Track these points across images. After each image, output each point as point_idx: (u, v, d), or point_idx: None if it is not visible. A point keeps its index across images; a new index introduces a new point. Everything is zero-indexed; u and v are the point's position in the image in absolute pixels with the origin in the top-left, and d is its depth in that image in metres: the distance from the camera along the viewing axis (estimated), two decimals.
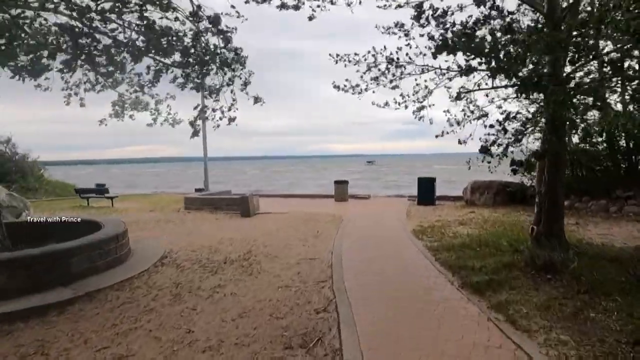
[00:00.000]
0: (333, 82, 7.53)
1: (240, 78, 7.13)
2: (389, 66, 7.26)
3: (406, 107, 7.36)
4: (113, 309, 5.25)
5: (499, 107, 7.00)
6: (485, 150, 6.17)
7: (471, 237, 8.51)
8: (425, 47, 6.80)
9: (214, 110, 6.94)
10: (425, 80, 7.52)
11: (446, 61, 6.89)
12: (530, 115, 6.52)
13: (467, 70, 5.88)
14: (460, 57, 6.15)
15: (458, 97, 6.63)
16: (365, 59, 7.24)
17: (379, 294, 5.41)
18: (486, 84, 6.96)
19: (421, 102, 7.63)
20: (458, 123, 7.04)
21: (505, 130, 6.08)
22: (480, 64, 5.58)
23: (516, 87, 5.53)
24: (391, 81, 7.14)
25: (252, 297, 5.55)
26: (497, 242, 7.66)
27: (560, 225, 6.63)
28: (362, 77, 7.28)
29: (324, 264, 7.06)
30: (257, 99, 6.97)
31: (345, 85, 7.48)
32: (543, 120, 6.69)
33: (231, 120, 6.91)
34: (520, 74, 5.37)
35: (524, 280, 5.38)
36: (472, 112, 6.78)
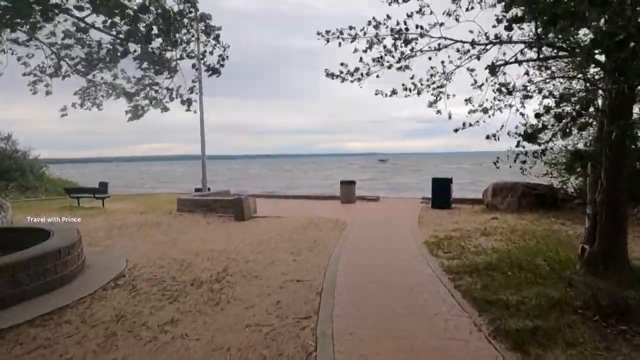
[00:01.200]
0: (326, 70, 6.03)
1: (212, 53, 5.73)
2: (396, 42, 5.74)
3: (419, 93, 5.83)
4: (19, 357, 3.89)
5: (539, 90, 5.43)
6: (529, 137, 4.61)
7: (498, 253, 6.95)
8: (445, 13, 5.27)
9: (168, 89, 5.55)
10: (443, 62, 5.98)
11: (471, 31, 5.36)
12: (585, 98, 4.90)
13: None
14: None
15: (492, 71, 5.05)
16: (364, 33, 5.72)
17: (377, 344, 3.92)
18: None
19: (438, 87, 6.10)
20: (485, 111, 5.50)
21: (561, 116, 4.51)
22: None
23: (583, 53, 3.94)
24: (399, 60, 5.61)
25: (207, 342, 4.12)
26: (533, 262, 6.10)
27: (622, 246, 5.04)
28: (361, 58, 5.77)
29: (312, 290, 5.59)
30: (214, 70, 5.56)
31: (341, 72, 5.96)
32: (597, 106, 5.09)
33: (187, 102, 5.51)
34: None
35: (585, 330, 3.80)
36: (508, 92, 5.16)
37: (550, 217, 10.89)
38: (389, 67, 5.65)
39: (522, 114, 5.20)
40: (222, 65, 6.37)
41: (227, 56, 6.07)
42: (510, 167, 5.53)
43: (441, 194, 14.46)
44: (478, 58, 5.77)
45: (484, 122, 5.79)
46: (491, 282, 5.26)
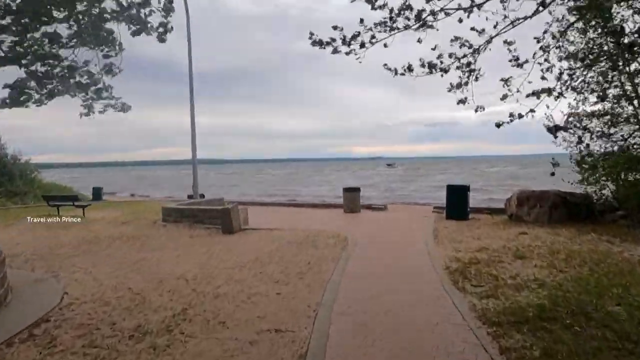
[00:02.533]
0: (311, 36, 4.40)
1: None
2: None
3: (445, 71, 4.23)
4: None
5: None
6: None
7: (547, 288, 5.26)
8: None
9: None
10: (475, 29, 4.37)
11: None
12: None
13: None
14: None
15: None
16: None
17: None
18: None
19: (466, 65, 4.49)
20: (550, 92, 3.91)
21: None
22: None
23: None
24: (418, 17, 3.98)
25: None
26: (601, 305, 4.42)
27: None
28: (362, 20, 4.16)
29: (294, 348, 3.97)
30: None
31: (332, 40, 4.35)
32: None
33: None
34: None
35: None
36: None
37: (590, 233, 9.16)
38: (407, 27, 4.02)
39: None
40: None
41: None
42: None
43: (457, 203, 12.77)
44: (512, 24, 4.20)
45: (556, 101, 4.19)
46: (554, 345, 3.58)
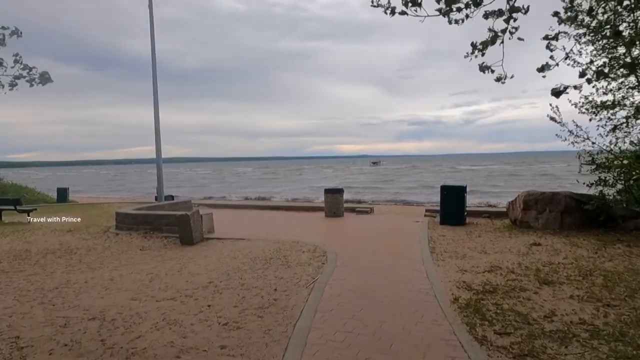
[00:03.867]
0: None
1: None
2: None
3: (475, 4, 2.59)
4: None
5: None
6: None
7: (605, 338, 3.69)
8: None
9: None
10: None
11: None
12: None
13: None
14: None
15: None
16: None
17: None
18: None
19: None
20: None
21: None
22: None
23: None
24: None
25: None
26: None
27: None
28: None
29: None
30: None
31: None
32: None
33: None
34: None
35: None
36: None
37: (616, 245, 7.69)
38: None
39: None
40: None
41: None
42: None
43: (453, 206, 11.24)
44: None
45: None
46: None
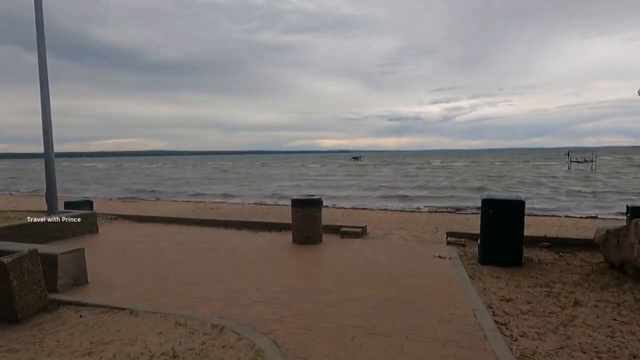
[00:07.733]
0: None
1: None
2: None
3: None
4: None
5: None
6: None
7: None
8: None
9: None
10: None
11: None
12: None
13: None
14: None
15: None
16: None
17: None
18: None
19: None
20: None
21: None
22: None
23: None
24: None
25: None
26: None
27: None
28: None
29: None
30: None
31: None
32: None
33: None
34: None
35: None
36: None
37: None
38: None
39: None
40: None
41: None
42: None
43: (505, 234, 6.64)
44: None
45: None
46: None
